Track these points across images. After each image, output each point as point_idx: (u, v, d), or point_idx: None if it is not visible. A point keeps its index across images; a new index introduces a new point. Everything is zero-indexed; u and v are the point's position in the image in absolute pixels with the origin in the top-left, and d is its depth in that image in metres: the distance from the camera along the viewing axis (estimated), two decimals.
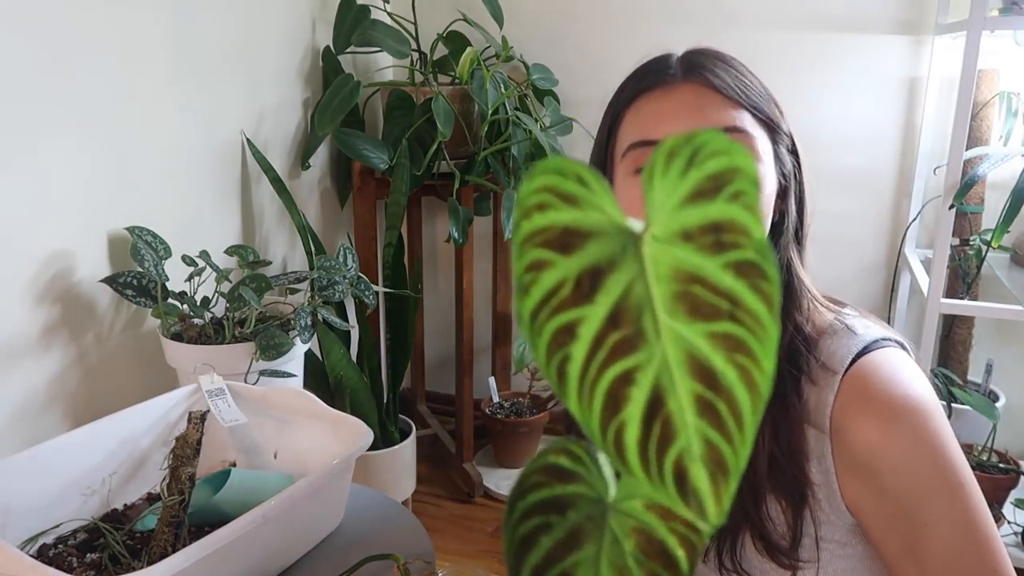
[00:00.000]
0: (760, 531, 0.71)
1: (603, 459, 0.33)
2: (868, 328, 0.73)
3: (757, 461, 0.70)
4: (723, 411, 0.27)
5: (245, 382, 1.24)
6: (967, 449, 1.87)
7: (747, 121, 0.69)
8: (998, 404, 1.93)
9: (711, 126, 0.68)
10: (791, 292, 0.73)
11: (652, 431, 0.27)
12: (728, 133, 0.66)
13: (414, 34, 2.00)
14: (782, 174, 0.73)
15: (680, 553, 0.30)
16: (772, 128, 0.72)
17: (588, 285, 0.27)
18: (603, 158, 0.77)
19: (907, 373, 0.69)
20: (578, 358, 0.27)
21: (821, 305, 0.75)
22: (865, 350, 0.70)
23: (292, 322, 1.41)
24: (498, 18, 2.03)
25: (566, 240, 0.27)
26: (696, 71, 0.70)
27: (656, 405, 0.27)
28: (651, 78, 0.72)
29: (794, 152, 0.75)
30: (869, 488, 0.67)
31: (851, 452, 0.68)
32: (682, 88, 0.70)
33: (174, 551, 0.76)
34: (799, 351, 0.71)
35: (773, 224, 0.75)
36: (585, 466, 0.33)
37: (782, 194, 0.74)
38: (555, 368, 0.27)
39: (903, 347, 0.73)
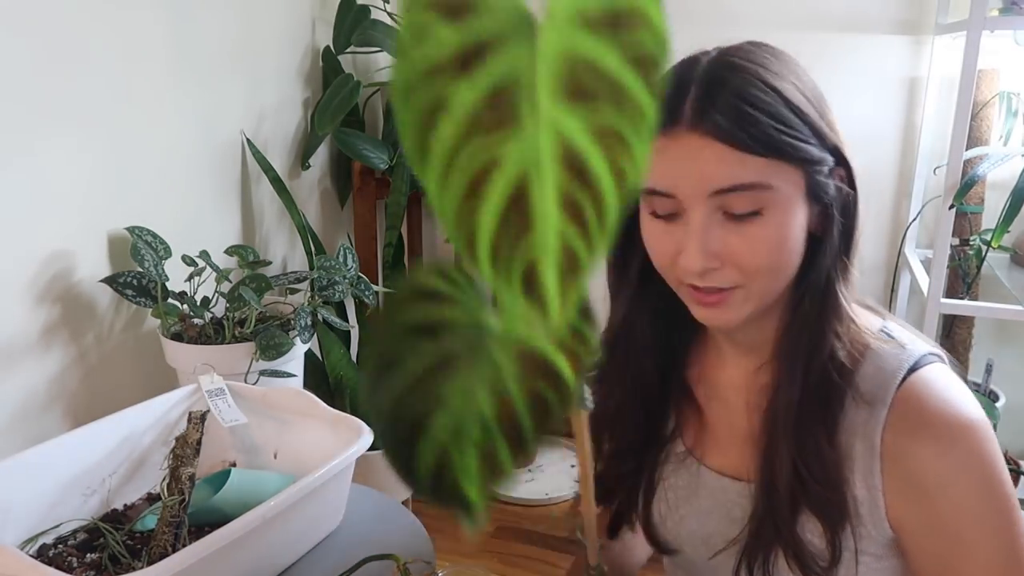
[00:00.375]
0: (794, 550, 0.69)
1: (481, 284, 0.31)
2: (913, 341, 0.72)
3: (794, 478, 0.69)
4: (587, 208, 0.25)
5: (245, 382, 1.24)
6: None
7: (760, 170, 0.63)
8: (998, 404, 1.93)
9: (718, 183, 0.63)
10: (830, 311, 0.69)
11: (509, 221, 0.25)
12: (737, 192, 0.63)
13: None
14: (823, 200, 0.67)
15: (566, 367, 0.28)
16: (803, 160, 0.65)
17: (471, 59, 0.25)
18: None
19: (959, 391, 0.68)
20: (445, 135, 0.25)
21: (862, 325, 0.72)
22: (915, 366, 0.69)
23: (292, 322, 1.41)
24: None
25: (456, 5, 0.25)
26: (704, 116, 0.63)
27: (518, 194, 0.25)
28: (661, 117, 0.68)
29: (842, 164, 0.68)
30: (918, 507, 0.66)
31: (905, 472, 0.66)
32: (687, 138, 0.64)
33: (174, 551, 0.76)
34: (841, 370, 0.68)
35: (815, 240, 0.69)
36: (462, 289, 0.31)
37: (824, 213, 0.69)
38: (419, 143, 0.26)
39: (941, 358, 0.72)
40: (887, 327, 0.74)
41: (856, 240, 0.70)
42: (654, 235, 0.69)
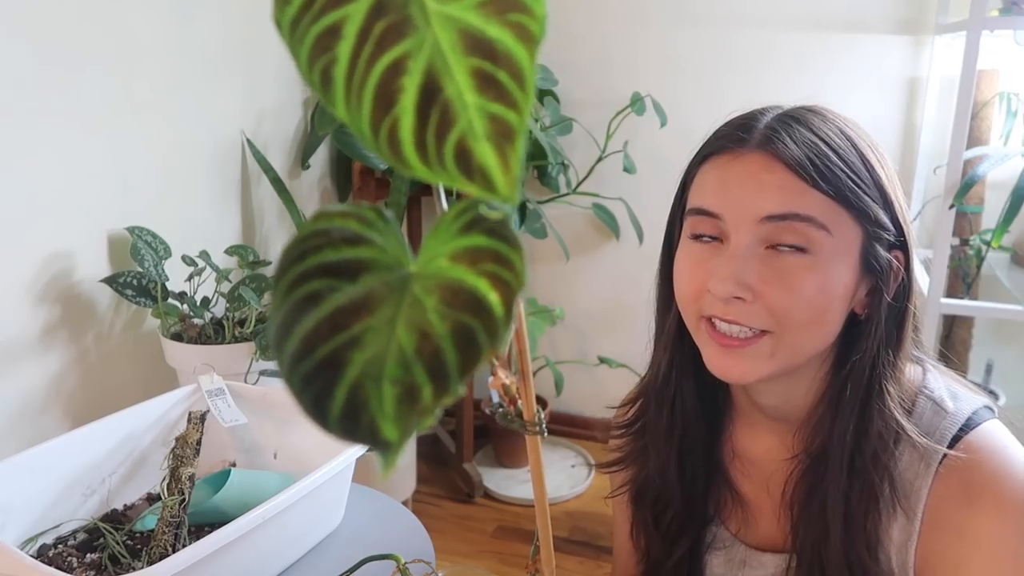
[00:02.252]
0: None
1: (397, 227, 0.30)
2: (957, 400, 0.67)
3: (829, 555, 0.65)
4: (504, 79, 0.26)
5: (245, 382, 1.24)
6: None
7: (819, 207, 0.60)
8: (998, 404, 1.93)
9: (772, 209, 0.60)
10: (874, 404, 0.64)
11: (429, 119, 0.26)
12: (790, 221, 0.60)
13: None
14: (874, 271, 0.63)
15: (492, 296, 0.27)
16: (865, 216, 0.61)
17: None
18: (674, 216, 0.70)
19: (1012, 452, 0.64)
20: (343, 58, 0.26)
21: (905, 408, 0.67)
22: (962, 431, 0.64)
23: None
24: None
25: None
26: (771, 139, 0.61)
27: (431, 92, 0.26)
28: (724, 140, 0.64)
29: (901, 247, 0.64)
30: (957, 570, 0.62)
31: (966, 541, 0.62)
32: (750, 157, 0.62)
33: (174, 551, 0.76)
34: (883, 466, 0.64)
35: (858, 322, 0.65)
36: (378, 231, 0.30)
37: (873, 291, 0.64)
38: (319, 74, 0.26)
39: (991, 409, 0.68)
40: (927, 388, 0.68)
41: (906, 334, 0.65)
42: (688, 260, 0.66)
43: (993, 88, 1.90)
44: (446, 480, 2.24)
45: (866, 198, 0.61)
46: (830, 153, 0.61)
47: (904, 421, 0.64)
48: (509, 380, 0.44)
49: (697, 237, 0.65)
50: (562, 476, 2.24)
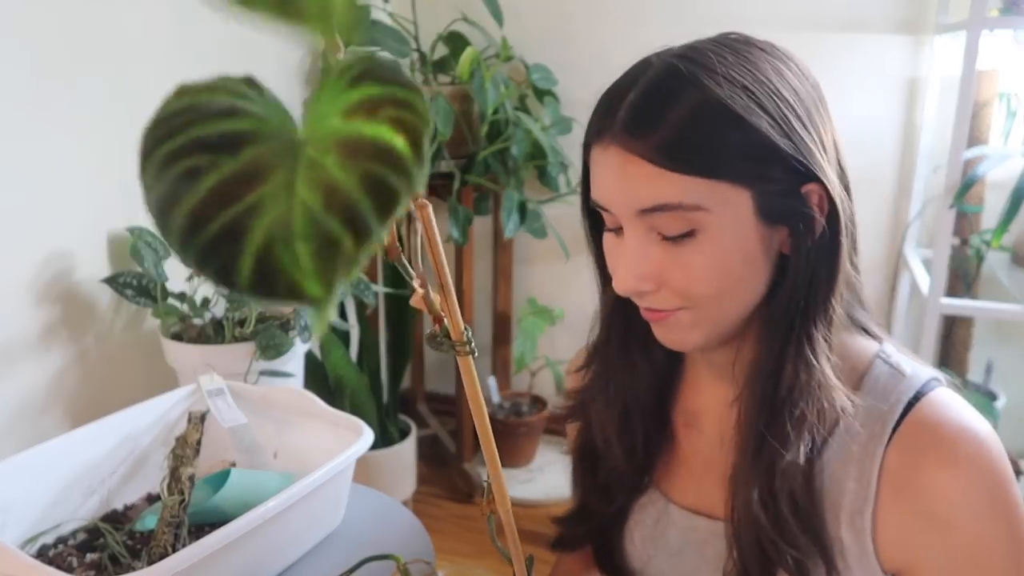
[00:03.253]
0: None
1: (273, 96, 0.29)
2: (913, 367, 0.66)
3: (768, 527, 0.63)
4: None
5: (245, 382, 1.24)
6: None
7: (687, 190, 0.57)
8: (997, 404, 1.93)
9: (642, 203, 0.59)
10: (795, 344, 0.62)
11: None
12: (661, 212, 0.58)
13: (414, 34, 2.00)
14: (781, 218, 0.60)
15: (398, 140, 0.26)
16: (745, 178, 0.58)
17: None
18: (586, 196, 0.68)
19: (970, 412, 0.63)
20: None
21: (853, 354, 0.67)
22: (919, 394, 0.64)
23: (292, 322, 1.41)
24: (498, 18, 2.03)
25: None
26: (632, 130, 0.58)
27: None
28: (594, 127, 0.63)
29: (814, 179, 0.60)
30: (934, 538, 0.61)
31: (918, 504, 0.61)
32: (613, 150, 0.60)
33: (174, 551, 0.76)
34: (815, 411, 0.62)
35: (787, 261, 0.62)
36: (253, 101, 0.29)
37: (793, 231, 0.61)
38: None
39: (940, 381, 0.67)
40: (884, 353, 0.68)
41: (838, 271, 0.62)
42: (608, 249, 0.66)
43: (993, 88, 1.90)
44: (446, 480, 2.24)
45: (741, 161, 0.58)
46: (694, 134, 0.57)
47: (826, 366, 0.62)
48: (433, 297, 0.43)
49: (607, 228, 0.65)
50: (562, 476, 2.24)
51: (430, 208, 0.39)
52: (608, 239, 0.66)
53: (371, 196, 0.26)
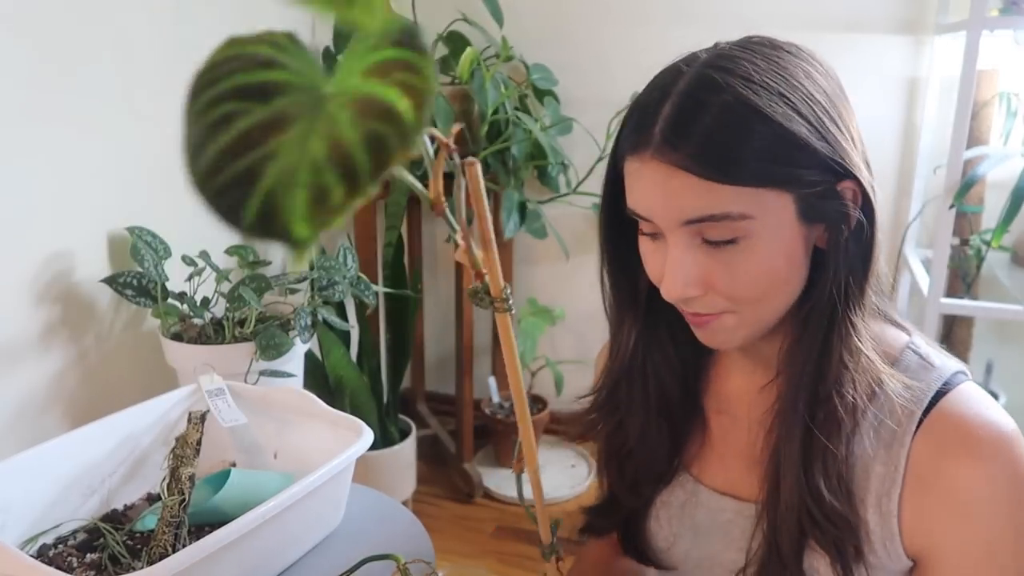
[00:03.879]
0: None
1: (311, 51, 0.32)
2: (941, 360, 0.68)
3: (800, 509, 0.65)
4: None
5: (245, 382, 1.24)
6: None
7: (733, 200, 0.58)
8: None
9: (688, 215, 0.59)
10: (835, 335, 0.64)
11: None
12: (708, 222, 0.59)
13: None
14: (820, 218, 0.62)
15: (402, 103, 0.28)
16: (790, 185, 0.59)
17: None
18: (614, 189, 0.68)
19: (995, 407, 0.65)
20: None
21: (885, 344, 0.68)
22: (946, 386, 0.65)
23: (292, 322, 1.41)
24: (498, 18, 2.03)
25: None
26: (672, 144, 0.58)
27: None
28: (628, 141, 0.63)
29: (850, 176, 0.61)
30: (953, 526, 0.63)
31: (940, 493, 0.63)
32: (652, 165, 0.60)
33: (174, 551, 0.76)
34: (850, 397, 0.64)
35: (823, 255, 0.64)
36: (291, 54, 0.31)
37: (831, 229, 0.63)
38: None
39: (966, 374, 0.69)
40: (914, 344, 0.70)
41: (873, 260, 0.64)
42: (645, 254, 0.67)
43: (993, 88, 1.90)
44: (446, 480, 2.24)
45: (784, 168, 0.58)
46: (735, 144, 0.57)
47: (870, 350, 0.64)
48: (477, 252, 0.43)
49: (644, 233, 0.66)
50: (562, 476, 2.24)
51: (478, 165, 0.40)
52: (645, 243, 0.67)
53: (369, 152, 0.28)
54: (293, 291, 1.62)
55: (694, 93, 0.59)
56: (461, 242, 0.42)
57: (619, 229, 0.70)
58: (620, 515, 0.82)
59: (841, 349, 0.64)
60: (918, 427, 0.64)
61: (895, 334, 0.71)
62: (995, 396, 1.97)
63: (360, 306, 1.89)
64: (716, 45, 0.64)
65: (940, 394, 0.65)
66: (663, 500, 0.79)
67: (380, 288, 1.87)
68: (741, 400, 0.76)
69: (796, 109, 0.59)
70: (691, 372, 0.78)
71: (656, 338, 0.75)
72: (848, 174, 0.61)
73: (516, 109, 1.95)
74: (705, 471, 0.77)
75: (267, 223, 0.27)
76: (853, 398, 0.64)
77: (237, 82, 0.29)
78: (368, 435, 0.88)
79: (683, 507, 0.77)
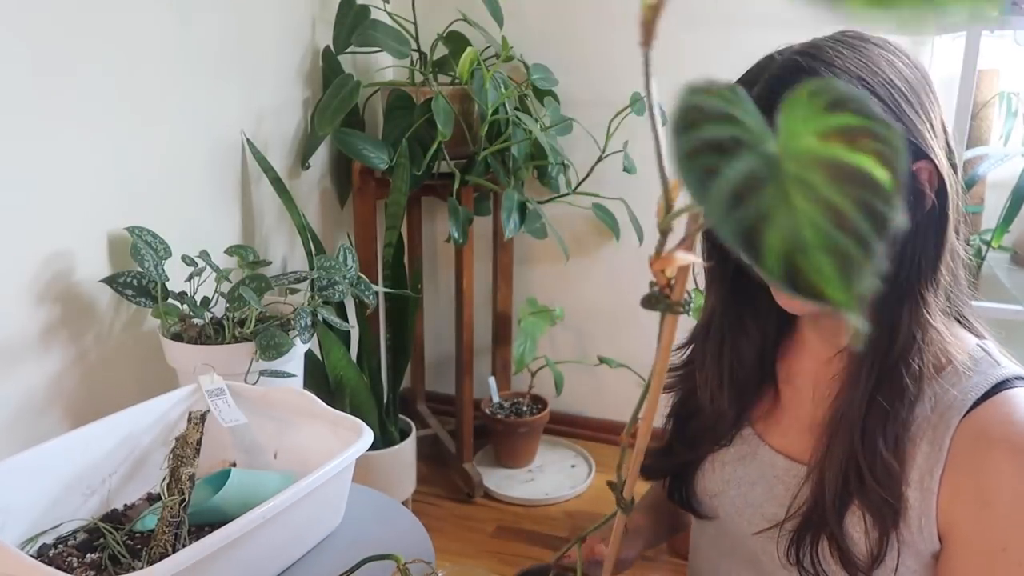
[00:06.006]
0: (839, 543, 0.69)
1: (753, 107, 0.31)
2: (1008, 363, 0.71)
3: (850, 473, 0.68)
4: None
5: (245, 382, 1.24)
6: None
7: None
8: None
9: None
10: (904, 310, 0.66)
11: None
12: None
13: (414, 34, 2.00)
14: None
15: (880, 172, 0.28)
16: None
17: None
18: None
19: None
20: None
21: (951, 335, 0.70)
22: (1005, 383, 0.68)
23: (292, 322, 1.41)
24: (498, 18, 2.03)
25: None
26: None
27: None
28: None
29: (924, 157, 0.65)
30: (976, 514, 0.65)
31: (973, 481, 0.65)
32: None
33: (174, 551, 0.76)
34: (914, 373, 0.67)
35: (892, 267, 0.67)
36: (741, 108, 0.31)
37: (909, 222, 0.66)
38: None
39: None
40: (984, 344, 0.73)
41: (946, 240, 0.67)
42: None
43: (993, 88, 1.90)
44: (446, 480, 2.24)
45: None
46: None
47: (940, 324, 0.67)
48: (682, 261, 0.42)
49: None
50: (562, 476, 2.24)
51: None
52: None
53: (869, 221, 0.27)
54: (293, 291, 1.62)
55: (782, 76, 0.66)
56: (676, 254, 0.41)
57: None
58: (675, 463, 0.86)
59: (911, 321, 0.67)
60: (966, 413, 0.66)
61: (964, 335, 0.74)
62: None
63: (360, 306, 1.89)
64: (812, 39, 0.71)
65: (997, 388, 0.67)
66: (720, 453, 0.83)
67: (380, 288, 1.87)
68: (806, 372, 0.80)
69: (873, 91, 0.64)
70: (769, 344, 0.82)
71: (744, 309, 0.80)
72: (922, 155, 0.65)
73: (516, 109, 1.95)
74: (767, 431, 0.82)
75: (794, 281, 0.27)
76: (919, 367, 0.67)
77: (704, 134, 0.29)
78: (368, 435, 0.88)
79: (742, 459, 0.81)
